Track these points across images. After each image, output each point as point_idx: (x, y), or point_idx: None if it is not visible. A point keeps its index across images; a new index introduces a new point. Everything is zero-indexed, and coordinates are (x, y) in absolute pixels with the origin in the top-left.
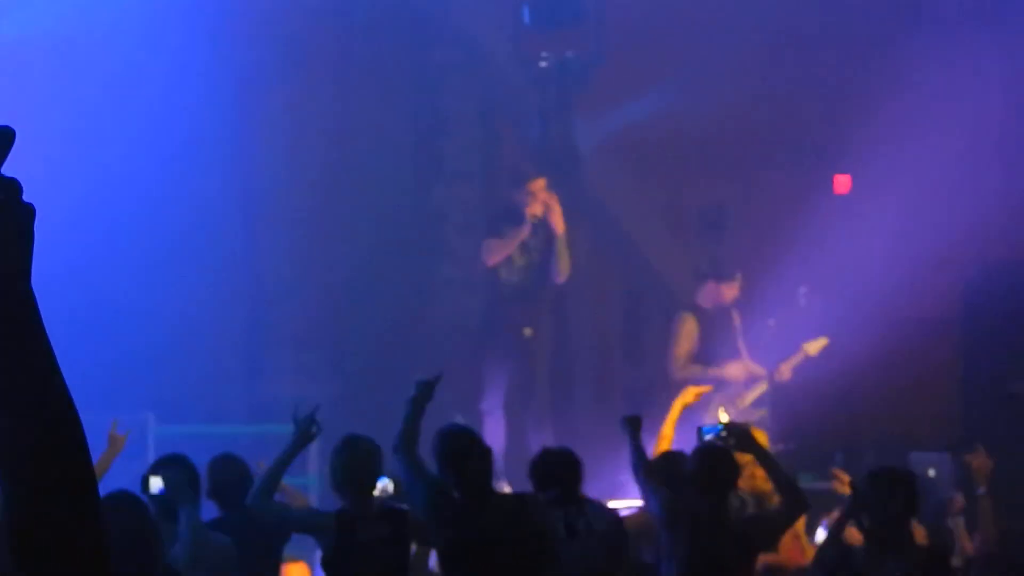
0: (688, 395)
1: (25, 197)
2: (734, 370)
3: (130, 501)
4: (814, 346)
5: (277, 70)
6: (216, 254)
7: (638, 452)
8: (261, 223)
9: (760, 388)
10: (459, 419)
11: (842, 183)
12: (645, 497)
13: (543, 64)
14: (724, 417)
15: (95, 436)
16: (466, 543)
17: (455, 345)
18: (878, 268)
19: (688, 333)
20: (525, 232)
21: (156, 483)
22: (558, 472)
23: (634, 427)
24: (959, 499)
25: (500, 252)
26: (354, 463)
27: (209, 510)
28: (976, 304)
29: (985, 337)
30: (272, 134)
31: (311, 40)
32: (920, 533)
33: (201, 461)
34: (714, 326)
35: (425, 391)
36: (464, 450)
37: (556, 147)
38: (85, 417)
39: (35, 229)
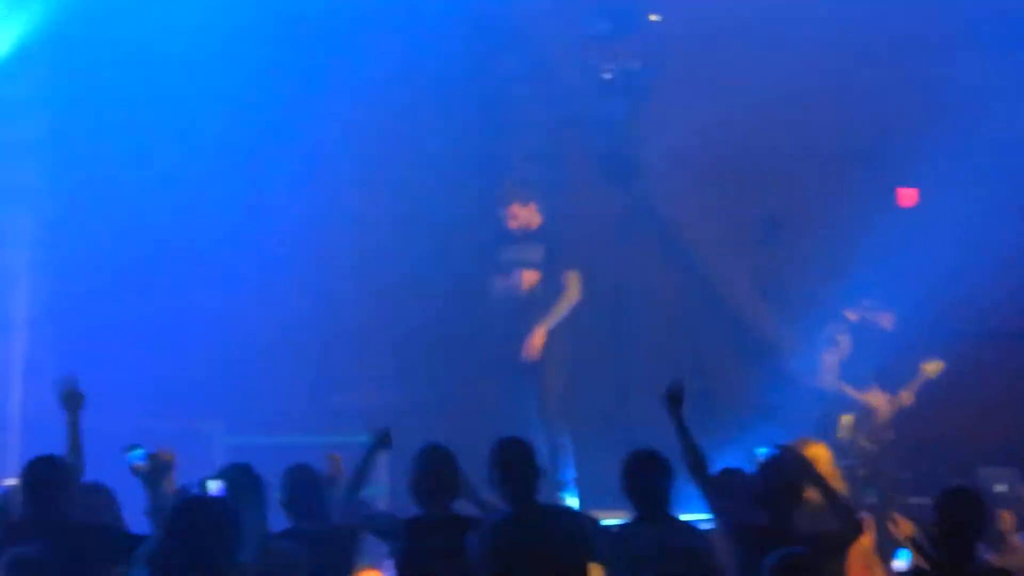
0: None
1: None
2: (877, 400)
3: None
4: (933, 368)
5: (345, 79)
6: (284, 266)
7: (686, 440)
8: (328, 234)
9: (886, 413)
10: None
11: (907, 196)
12: (710, 509)
13: (607, 76)
14: (846, 422)
15: (173, 445)
16: (498, 553)
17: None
18: (945, 281)
19: (845, 342)
20: (512, 283)
21: (214, 486)
22: (651, 484)
23: (675, 402)
24: (1007, 516)
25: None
26: (429, 471)
27: (280, 521)
28: None
29: None
30: (338, 144)
31: (378, 49)
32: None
33: (269, 471)
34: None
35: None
36: (515, 462)
37: (620, 158)
38: (161, 425)
39: (108, 241)
